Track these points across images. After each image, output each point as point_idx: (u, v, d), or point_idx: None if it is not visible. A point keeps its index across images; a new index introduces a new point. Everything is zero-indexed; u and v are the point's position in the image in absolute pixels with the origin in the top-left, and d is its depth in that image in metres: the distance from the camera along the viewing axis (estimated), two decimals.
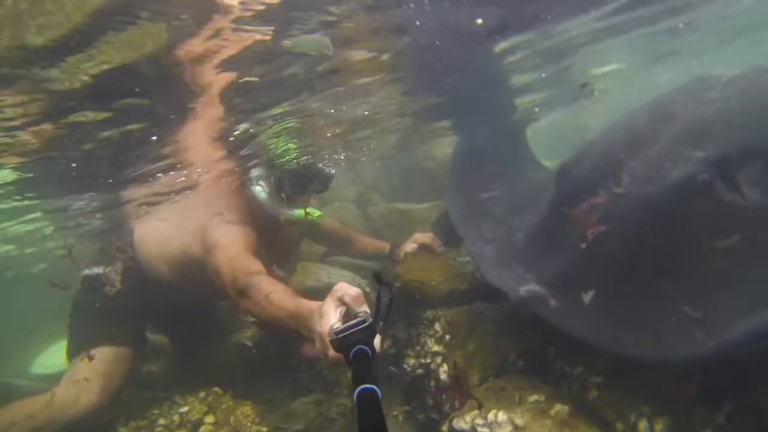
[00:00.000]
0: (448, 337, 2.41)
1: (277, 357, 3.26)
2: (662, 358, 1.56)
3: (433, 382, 2.34)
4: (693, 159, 1.83)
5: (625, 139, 2.12)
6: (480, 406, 1.94)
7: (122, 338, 2.76)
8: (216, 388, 2.62)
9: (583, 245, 1.91)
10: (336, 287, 1.43)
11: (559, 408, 1.82)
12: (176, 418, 2.46)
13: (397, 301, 3.03)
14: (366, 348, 1.17)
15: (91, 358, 2.55)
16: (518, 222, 2.53)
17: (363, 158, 5.43)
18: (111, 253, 3.12)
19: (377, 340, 1.24)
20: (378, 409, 0.96)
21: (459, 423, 1.91)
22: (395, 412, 2.66)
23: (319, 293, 3.55)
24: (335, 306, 1.39)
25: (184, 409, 2.49)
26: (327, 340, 1.29)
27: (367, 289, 3.71)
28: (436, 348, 2.41)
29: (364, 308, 1.36)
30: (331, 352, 1.27)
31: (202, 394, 2.58)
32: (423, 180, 5.35)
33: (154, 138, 2.58)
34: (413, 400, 2.53)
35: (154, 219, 3.53)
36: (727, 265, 1.64)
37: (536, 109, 5.23)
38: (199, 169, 3.41)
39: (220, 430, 2.35)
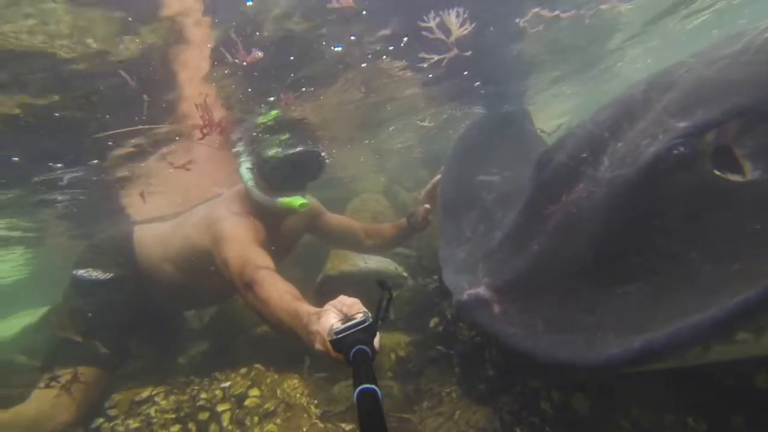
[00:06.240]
0: None
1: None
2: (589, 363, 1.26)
3: (494, 351, 2.20)
4: (673, 130, 1.46)
5: (615, 116, 1.78)
6: None
7: (107, 355, 2.64)
8: (257, 365, 2.48)
9: (546, 244, 1.64)
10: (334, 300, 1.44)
11: None
12: (218, 392, 2.32)
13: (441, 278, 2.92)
14: (366, 348, 1.16)
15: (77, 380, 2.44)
16: (501, 217, 2.25)
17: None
18: (105, 252, 2.98)
19: (377, 340, 1.23)
20: (378, 410, 0.96)
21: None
22: (448, 390, 2.51)
23: (356, 278, 3.44)
24: (334, 310, 1.38)
25: (226, 384, 2.35)
26: (327, 339, 1.27)
27: (404, 274, 3.59)
28: None
29: (362, 312, 1.34)
30: (332, 352, 1.25)
31: (243, 370, 2.44)
32: None
33: None
34: (470, 372, 2.38)
35: (154, 224, 3.37)
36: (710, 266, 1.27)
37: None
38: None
39: (266, 403, 2.20)
